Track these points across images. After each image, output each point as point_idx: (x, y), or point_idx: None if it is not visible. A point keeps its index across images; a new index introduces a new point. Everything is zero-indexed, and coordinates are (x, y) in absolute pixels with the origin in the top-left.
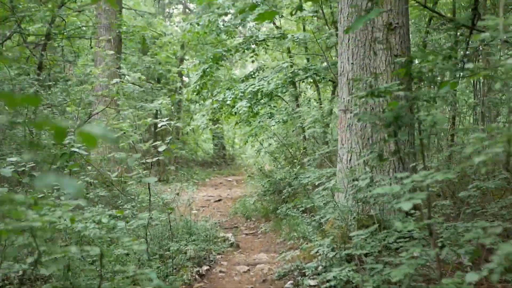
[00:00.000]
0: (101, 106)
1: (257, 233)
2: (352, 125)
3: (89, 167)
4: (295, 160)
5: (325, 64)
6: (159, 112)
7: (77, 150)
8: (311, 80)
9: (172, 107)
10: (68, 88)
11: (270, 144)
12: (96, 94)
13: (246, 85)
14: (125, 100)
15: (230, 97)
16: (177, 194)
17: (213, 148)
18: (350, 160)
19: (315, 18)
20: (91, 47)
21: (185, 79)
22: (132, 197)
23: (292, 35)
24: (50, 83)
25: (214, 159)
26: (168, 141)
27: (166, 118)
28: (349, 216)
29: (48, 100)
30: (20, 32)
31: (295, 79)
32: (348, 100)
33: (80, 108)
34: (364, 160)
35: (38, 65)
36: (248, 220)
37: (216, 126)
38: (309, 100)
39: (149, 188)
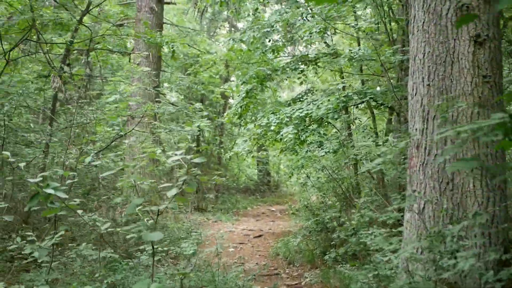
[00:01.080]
0: (135, 127)
1: (301, 285)
2: (426, 164)
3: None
4: (347, 199)
5: (379, 88)
6: (201, 135)
7: (52, 192)
8: (366, 106)
9: (211, 131)
10: (99, 107)
11: (318, 178)
12: (126, 114)
13: (293, 109)
14: (158, 122)
15: (275, 122)
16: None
17: (257, 174)
18: (423, 210)
19: (374, 32)
20: (128, 61)
21: (231, 101)
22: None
23: (349, 50)
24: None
25: (257, 185)
26: (181, 183)
27: (204, 144)
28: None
29: (71, 120)
30: (38, 41)
31: (348, 104)
32: (423, 131)
33: (110, 129)
34: (444, 214)
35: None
36: (291, 265)
37: (259, 152)
38: (364, 129)
39: (152, 247)
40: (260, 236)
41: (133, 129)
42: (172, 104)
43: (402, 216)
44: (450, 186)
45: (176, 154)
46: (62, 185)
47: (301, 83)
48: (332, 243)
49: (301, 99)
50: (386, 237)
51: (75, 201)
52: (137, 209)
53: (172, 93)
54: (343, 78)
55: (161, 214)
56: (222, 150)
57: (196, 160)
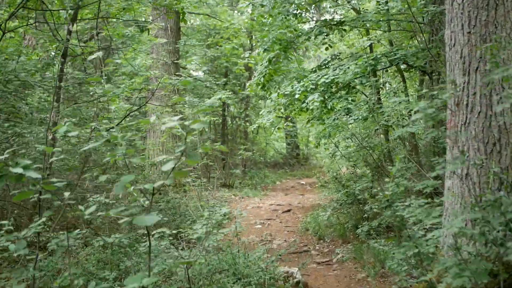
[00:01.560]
0: (154, 102)
1: (332, 262)
2: (469, 123)
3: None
4: (379, 168)
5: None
6: (226, 108)
7: (21, 171)
8: (395, 70)
9: (236, 105)
10: (113, 82)
11: (347, 147)
12: (141, 88)
13: (319, 76)
14: (178, 96)
15: (300, 90)
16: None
17: (286, 148)
18: (467, 175)
19: None
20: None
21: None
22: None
23: (377, 1)
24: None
25: (286, 159)
26: (179, 155)
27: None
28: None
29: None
30: (36, 9)
31: (377, 67)
32: (463, 85)
33: (126, 104)
34: (492, 178)
35: (62, 53)
36: (321, 240)
37: (286, 124)
38: (395, 93)
39: (149, 239)
40: (289, 210)
41: (146, 102)
42: (192, 77)
43: (441, 184)
44: (498, 147)
45: (172, 120)
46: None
47: (326, 49)
48: (364, 215)
49: (327, 66)
50: (426, 209)
51: (61, 182)
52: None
53: (192, 66)
54: (370, 39)
55: (180, 190)
56: (248, 124)
57: (195, 126)
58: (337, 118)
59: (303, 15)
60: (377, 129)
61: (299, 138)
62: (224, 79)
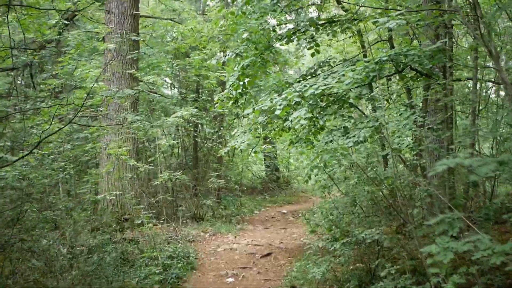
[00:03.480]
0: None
1: None
2: None
3: None
4: (393, 209)
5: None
6: (200, 128)
7: None
8: (399, 78)
9: (209, 123)
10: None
11: (345, 178)
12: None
13: (305, 86)
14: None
15: (281, 105)
16: None
17: (265, 171)
18: None
19: None
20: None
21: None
22: None
23: None
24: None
25: (266, 183)
26: None
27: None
28: None
29: None
30: None
31: (382, 73)
32: None
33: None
34: None
35: None
36: None
37: (264, 146)
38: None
39: None
40: (269, 254)
41: (70, 122)
42: (152, 92)
43: None
44: None
45: None
46: None
47: (312, 55)
48: (374, 274)
49: (314, 74)
50: None
51: None
52: None
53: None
54: (364, 46)
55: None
56: (220, 146)
57: None
58: (332, 141)
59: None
60: (387, 154)
61: (278, 160)
62: (193, 95)
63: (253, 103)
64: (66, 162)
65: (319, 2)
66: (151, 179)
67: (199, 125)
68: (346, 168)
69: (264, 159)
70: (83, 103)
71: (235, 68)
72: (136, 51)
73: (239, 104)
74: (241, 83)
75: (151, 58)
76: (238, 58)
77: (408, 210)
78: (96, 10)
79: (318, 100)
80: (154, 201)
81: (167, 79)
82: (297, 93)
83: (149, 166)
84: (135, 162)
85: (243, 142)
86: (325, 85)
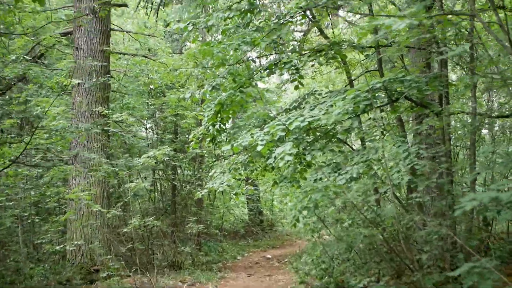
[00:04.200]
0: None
1: None
2: None
3: None
4: (396, 255)
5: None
6: (179, 171)
7: None
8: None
9: (187, 165)
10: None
11: (338, 221)
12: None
13: (290, 118)
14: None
15: (263, 140)
16: None
17: (248, 214)
18: None
19: None
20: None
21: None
22: None
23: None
24: None
25: (249, 227)
26: None
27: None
28: None
29: None
30: None
31: (376, 102)
32: None
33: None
34: None
35: None
36: None
37: (246, 188)
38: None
39: None
40: None
41: (15, 160)
42: (126, 133)
43: None
44: None
45: None
46: None
47: (296, 88)
48: None
49: (299, 107)
50: None
51: None
52: None
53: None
54: (350, 79)
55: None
56: (198, 189)
57: None
58: (321, 178)
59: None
60: (385, 192)
61: (262, 202)
62: (170, 136)
63: (231, 140)
64: (23, 209)
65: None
66: (125, 225)
67: (178, 168)
68: (340, 209)
69: (247, 202)
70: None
71: (211, 104)
72: (107, 90)
73: (216, 142)
74: (218, 118)
75: (126, 98)
76: (215, 93)
77: (415, 256)
78: (65, 47)
79: (304, 134)
80: (124, 250)
81: (143, 120)
82: (281, 127)
83: (118, 211)
84: (100, 208)
85: (222, 184)
86: (311, 117)
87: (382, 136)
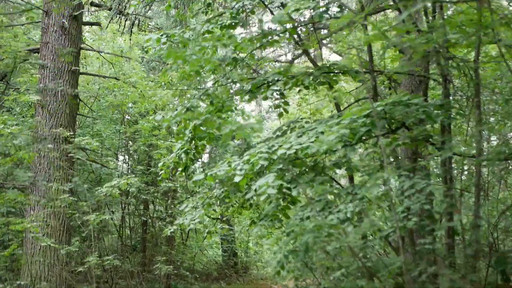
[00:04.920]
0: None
1: None
2: None
3: None
4: None
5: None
6: (152, 206)
7: None
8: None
9: (159, 200)
10: None
11: (329, 270)
12: None
13: (273, 146)
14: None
15: (242, 169)
16: None
17: (222, 255)
18: None
19: None
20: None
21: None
22: None
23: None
24: None
25: (222, 269)
26: None
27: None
28: None
29: None
30: None
31: (373, 130)
32: None
33: None
34: None
35: None
36: None
37: (220, 227)
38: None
39: None
40: None
41: None
42: (92, 161)
43: None
44: None
45: None
46: None
47: (280, 115)
48: None
49: (282, 136)
50: None
51: None
52: None
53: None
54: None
55: None
56: (170, 226)
57: None
58: (309, 217)
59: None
60: (388, 234)
61: (237, 243)
62: (141, 167)
63: (206, 170)
64: None
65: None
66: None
67: (150, 203)
68: (332, 255)
69: (221, 242)
70: None
71: (186, 130)
72: (74, 114)
73: (189, 173)
74: (193, 145)
75: (97, 125)
76: (189, 115)
77: None
78: (32, 67)
79: (290, 166)
80: None
81: (114, 151)
82: (264, 155)
83: (74, 248)
84: (51, 243)
85: (194, 220)
86: (299, 144)
87: (382, 169)
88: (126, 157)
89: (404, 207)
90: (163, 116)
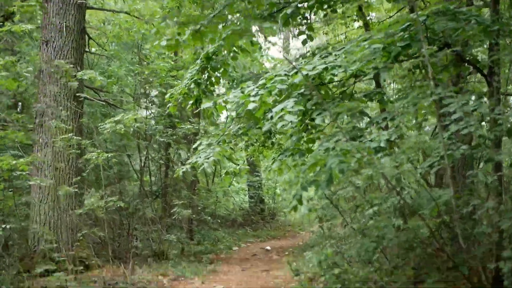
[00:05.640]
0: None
1: None
2: None
3: None
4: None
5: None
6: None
7: None
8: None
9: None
10: None
11: (357, 207)
12: None
13: (294, 68)
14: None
15: (257, 94)
16: None
17: (249, 202)
18: None
19: None
20: None
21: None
22: None
23: None
24: None
25: (249, 216)
26: None
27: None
28: None
29: None
30: None
31: (408, 47)
32: None
33: None
34: None
35: None
36: None
37: (240, 167)
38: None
39: None
40: None
41: None
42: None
43: None
44: None
45: None
46: None
47: (304, 42)
48: None
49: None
50: None
51: None
52: None
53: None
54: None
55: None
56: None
57: None
58: (334, 147)
59: None
60: (432, 164)
61: (264, 190)
62: (159, 109)
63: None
64: None
65: None
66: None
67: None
68: (366, 186)
69: (248, 189)
70: None
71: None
72: (82, 51)
73: (199, 103)
74: (205, 75)
75: (109, 64)
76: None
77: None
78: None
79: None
80: (100, 235)
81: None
82: (282, 77)
83: (73, 189)
84: (37, 181)
85: (208, 158)
86: (324, 63)
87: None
88: (146, 101)
89: (450, 133)
90: (169, 40)
